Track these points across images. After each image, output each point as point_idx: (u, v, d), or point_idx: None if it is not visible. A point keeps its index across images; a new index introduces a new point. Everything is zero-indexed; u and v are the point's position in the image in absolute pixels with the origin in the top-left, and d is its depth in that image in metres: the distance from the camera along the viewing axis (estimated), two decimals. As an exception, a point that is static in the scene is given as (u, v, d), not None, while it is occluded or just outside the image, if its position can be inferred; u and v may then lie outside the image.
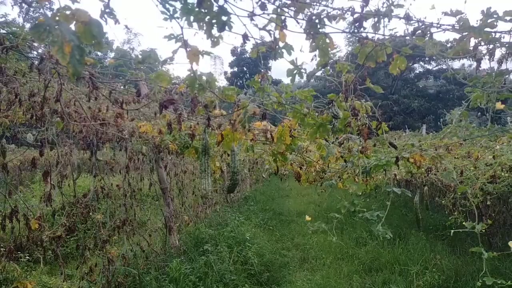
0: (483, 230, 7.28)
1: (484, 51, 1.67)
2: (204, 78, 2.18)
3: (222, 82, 59.94)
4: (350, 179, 2.97)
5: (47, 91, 2.99)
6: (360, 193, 5.01)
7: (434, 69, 42.43)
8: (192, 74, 2.10)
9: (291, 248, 9.65)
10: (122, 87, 3.01)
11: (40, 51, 2.68)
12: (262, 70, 2.71)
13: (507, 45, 1.61)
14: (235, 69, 51.78)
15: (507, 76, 1.83)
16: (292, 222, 12.47)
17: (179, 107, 2.68)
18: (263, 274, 7.33)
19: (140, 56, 2.23)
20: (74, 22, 1.17)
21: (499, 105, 1.92)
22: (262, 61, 2.55)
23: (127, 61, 3.70)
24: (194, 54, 1.99)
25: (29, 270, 6.15)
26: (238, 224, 9.47)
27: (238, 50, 48.99)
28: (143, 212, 7.39)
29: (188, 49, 2.00)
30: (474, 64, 1.93)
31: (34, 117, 3.22)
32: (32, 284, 4.15)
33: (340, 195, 14.56)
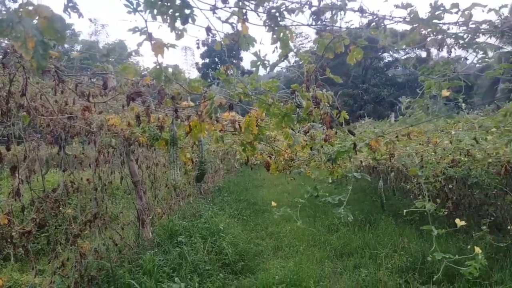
0: (444, 213, 7.56)
1: (433, 42, 1.78)
2: (170, 70, 2.23)
3: (194, 73, 59.44)
4: (313, 166, 3.07)
5: (12, 85, 2.96)
6: (331, 181, 5.13)
7: (403, 58, 43.30)
8: (158, 67, 2.14)
9: (265, 237, 9.78)
10: (88, 80, 3.01)
11: (3, 45, 2.65)
12: (235, 61, 2.77)
13: (453, 36, 1.72)
14: (207, 60, 51.45)
15: (456, 64, 1.95)
16: (266, 212, 12.61)
17: (147, 99, 2.71)
18: (238, 263, 7.43)
19: (106, 49, 2.25)
20: (37, 17, 1.20)
21: (445, 92, 2.04)
22: (234, 52, 2.60)
23: (93, 54, 3.69)
24: (158, 47, 2.03)
25: (-1, 267, 6.06)
26: (212, 215, 9.53)
27: (209, 41, 48.66)
28: (115, 205, 7.35)
29: (152, 42, 2.04)
30: (443, 53, 2.05)
31: (0, 112, 3.18)
32: (1, 281, 4.11)
33: (312, 183, 14.81)
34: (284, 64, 2.41)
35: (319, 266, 7.53)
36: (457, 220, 2.73)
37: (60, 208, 4.79)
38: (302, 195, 3.55)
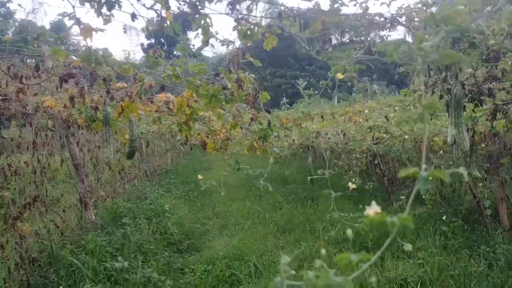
0: (370, 186, 8.07)
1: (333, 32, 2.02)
2: (100, 53, 2.34)
3: (139, 53, 57.91)
4: (235, 143, 3.29)
5: None
6: (271, 160, 5.39)
7: (347, 42, 44.41)
8: (87, 50, 2.25)
9: (212, 217, 10.02)
10: (21, 62, 3.03)
11: None
12: (181, 42, 2.90)
13: (348, 27, 1.97)
14: (152, 40, 50.33)
15: (358, 50, 2.22)
16: (214, 193, 12.84)
17: (80, 81, 2.79)
18: (183, 242, 7.62)
19: (37, 32, 2.32)
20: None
21: (339, 76, 2.30)
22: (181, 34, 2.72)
23: (28, 35, 3.66)
24: (87, 31, 2.14)
25: None
26: (158, 196, 9.62)
27: (154, 21, 47.54)
28: (56, 189, 7.28)
29: (81, 27, 2.14)
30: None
31: None
32: None
33: (259, 163, 15.20)
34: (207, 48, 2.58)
35: (262, 242, 7.87)
36: (349, 184, 3.06)
37: (-3, 192, 4.74)
38: (252, 175, 3.79)
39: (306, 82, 2.96)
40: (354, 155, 5.95)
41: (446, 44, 1.84)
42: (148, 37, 50.36)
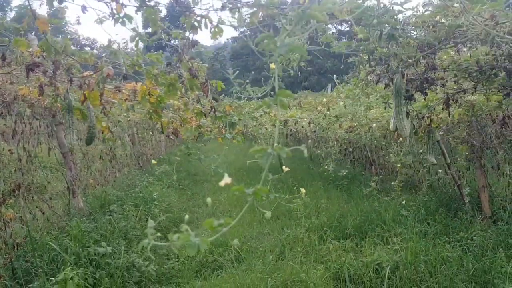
0: (344, 173, 8.17)
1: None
2: (59, 43, 2.44)
3: (130, 44, 57.63)
4: (186, 128, 3.40)
5: None
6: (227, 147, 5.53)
7: (346, 30, 44.29)
8: (45, 40, 2.35)
9: (201, 205, 10.17)
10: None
11: None
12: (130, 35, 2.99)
13: (284, 19, 2.07)
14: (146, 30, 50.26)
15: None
16: (206, 182, 12.98)
17: (48, 70, 2.89)
18: (170, 229, 7.76)
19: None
20: None
21: (272, 66, 2.39)
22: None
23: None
24: (43, 22, 2.24)
25: None
26: (147, 184, 9.76)
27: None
28: (43, 176, 7.40)
29: (37, 19, 2.24)
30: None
31: None
32: None
33: (251, 154, 15.32)
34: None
35: (248, 228, 8.03)
36: (283, 167, 3.19)
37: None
38: (242, 165, 3.89)
39: (237, 72, 3.05)
40: (330, 143, 6.05)
41: (380, 39, 1.95)
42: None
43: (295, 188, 10.79)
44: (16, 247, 5.18)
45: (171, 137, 10.91)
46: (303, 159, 16.36)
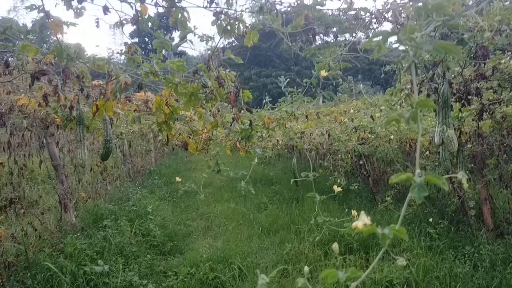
0: (356, 187, 8.05)
1: (317, 28, 1.94)
2: (72, 48, 2.21)
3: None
4: (216, 143, 3.19)
5: None
6: (256, 160, 5.30)
7: (332, 41, 44.67)
8: (58, 45, 2.12)
9: (195, 218, 9.88)
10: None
11: None
12: (155, 40, 2.77)
13: (332, 21, 1.89)
14: (136, 39, 49.89)
15: (341, 47, 2.14)
16: (198, 194, 12.68)
17: (53, 78, 2.65)
18: (166, 244, 7.47)
19: (2, 27, 2.19)
20: None
21: (323, 73, 2.22)
22: (166, 32, 2.60)
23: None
24: (57, 25, 2.01)
25: None
26: (140, 197, 9.45)
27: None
28: (34, 190, 7.07)
29: (51, 20, 2.01)
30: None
31: None
32: None
33: (243, 163, 15.10)
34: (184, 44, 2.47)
35: (246, 243, 7.76)
36: (334, 187, 2.99)
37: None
38: (255, 176, 3.69)
39: (288, 80, 2.87)
40: (339, 155, 5.88)
41: (434, 39, 1.76)
42: (132, 36, 49.89)
43: (291, 201, 10.62)
44: (8, 266, 4.85)
45: (165, 148, 10.59)
46: (295, 170, 16.24)
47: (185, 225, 9.01)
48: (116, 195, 9.57)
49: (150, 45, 48.54)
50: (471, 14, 1.49)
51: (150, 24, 2.13)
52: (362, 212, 0.80)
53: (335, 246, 1.02)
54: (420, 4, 0.79)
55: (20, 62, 2.67)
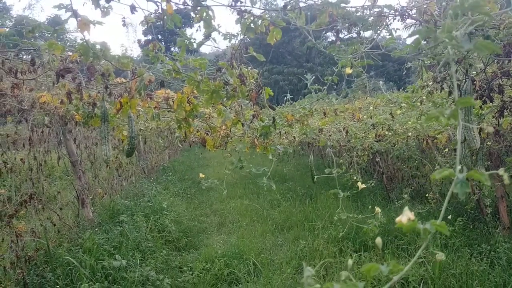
0: (372, 184, 8.03)
1: (341, 25, 1.95)
2: (98, 46, 2.25)
3: (136, 50, 57.79)
4: (236, 140, 3.22)
5: None
6: (271, 157, 5.33)
7: (345, 37, 44.39)
8: (85, 43, 2.17)
9: (209, 214, 9.95)
10: (15, 56, 2.93)
11: None
12: (179, 39, 2.81)
13: (357, 19, 1.90)
14: (149, 37, 50.12)
15: (365, 44, 2.15)
16: (211, 190, 12.75)
17: (77, 76, 2.71)
18: (181, 240, 7.55)
19: (32, 25, 2.24)
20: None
21: (348, 70, 2.23)
22: (179, 29, 2.63)
23: (23, 28, 3.57)
24: (84, 24, 2.05)
25: None
26: (155, 193, 9.54)
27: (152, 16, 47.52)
28: (53, 186, 7.19)
29: (78, 19, 2.06)
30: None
31: None
32: None
33: (258, 160, 15.13)
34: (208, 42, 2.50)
35: (260, 239, 7.80)
36: (358, 183, 2.99)
37: (-7, 189, 4.66)
38: (252, 173, 3.71)
39: (314, 77, 2.88)
40: (355, 152, 5.86)
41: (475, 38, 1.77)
42: (145, 33, 50.12)
43: (305, 197, 10.63)
44: (28, 260, 4.95)
45: (180, 144, 10.70)
46: (308, 166, 16.21)
47: (199, 221, 9.08)
48: (132, 191, 9.67)
49: (163, 43, 48.78)
50: (509, 14, 1.49)
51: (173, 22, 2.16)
52: (406, 208, 0.82)
53: (378, 240, 1.03)
54: (457, 2, 0.80)
55: (46, 59, 2.72)
